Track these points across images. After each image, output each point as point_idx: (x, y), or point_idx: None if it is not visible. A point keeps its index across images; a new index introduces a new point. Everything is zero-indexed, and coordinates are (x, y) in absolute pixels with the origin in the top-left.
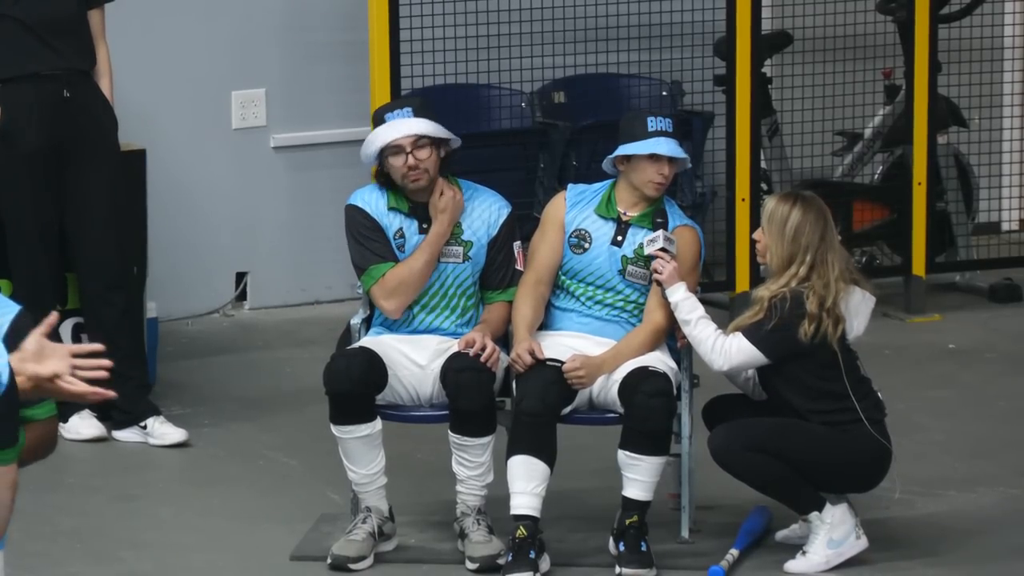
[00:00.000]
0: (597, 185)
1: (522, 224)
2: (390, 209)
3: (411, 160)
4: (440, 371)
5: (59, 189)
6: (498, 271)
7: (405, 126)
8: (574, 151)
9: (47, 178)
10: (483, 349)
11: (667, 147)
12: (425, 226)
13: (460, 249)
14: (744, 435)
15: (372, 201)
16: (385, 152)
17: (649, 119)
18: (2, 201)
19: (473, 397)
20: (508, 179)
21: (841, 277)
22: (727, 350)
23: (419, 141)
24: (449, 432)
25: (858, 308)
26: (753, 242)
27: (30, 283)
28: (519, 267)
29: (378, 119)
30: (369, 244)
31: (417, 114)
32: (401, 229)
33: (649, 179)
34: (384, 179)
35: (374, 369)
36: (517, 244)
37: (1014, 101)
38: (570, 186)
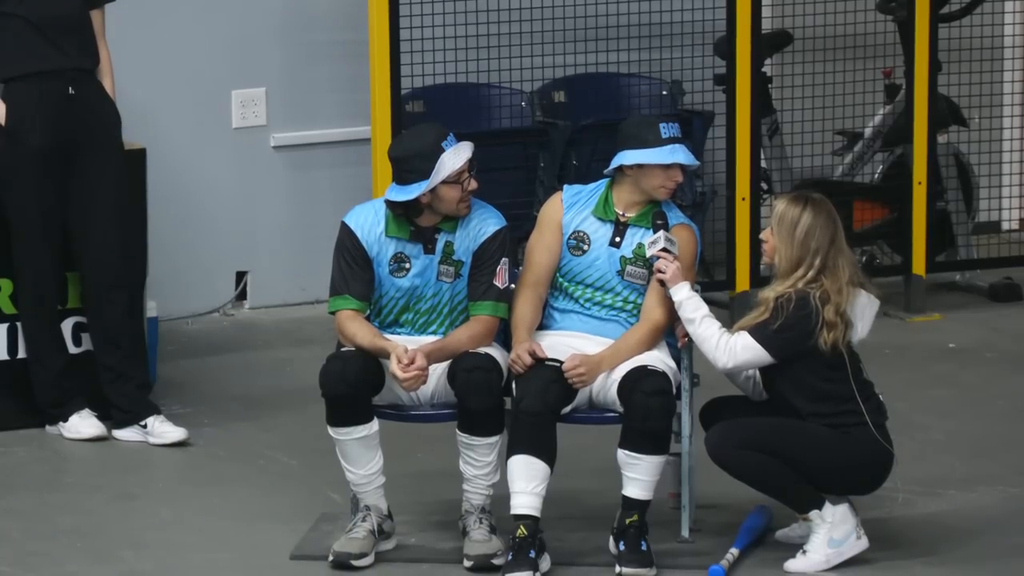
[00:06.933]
0: (592, 185)
1: (522, 223)
2: (388, 236)
3: (473, 184)
4: (448, 371)
5: (63, 187)
6: (479, 284)
7: (463, 152)
8: (574, 150)
9: (51, 176)
10: (412, 362)
11: (684, 156)
12: (431, 247)
13: (452, 269)
14: (740, 434)
15: (367, 225)
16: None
17: (661, 126)
18: (7, 198)
19: (483, 397)
20: (508, 179)
21: (851, 281)
22: (732, 347)
23: (470, 164)
24: (457, 431)
25: (863, 311)
26: (758, 242)
27: (33, 281)
28: (497, 283)
29: (435, 148)
30: (348, 272)
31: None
32: (401, 254)
33: (661, 185)
34: (399, 208)
35: (370, 370)
36: (505, 260)
37: (1014, 101)
38: (566, 187)
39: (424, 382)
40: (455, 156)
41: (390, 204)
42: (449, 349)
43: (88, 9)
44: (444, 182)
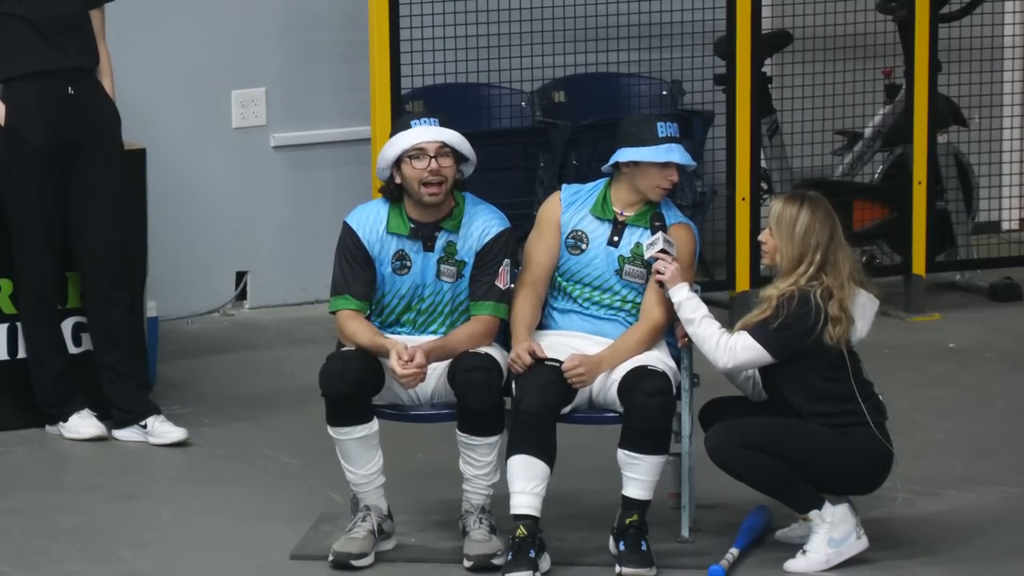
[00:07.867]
0: (591, 185)
1: (522, 223)
2: (389, 233)
3: (433, 164)
4: (448, 370)
5: (63, 187)
6: (480, 284)
7: (433, 132)
8: (574, 150)
9: (52, 175)
10: (411, 359)
11: (680, 156)
12: (430, 244)
13: (454, 269)
14: (740, 434)
15: (369, 224)
16: (404, 157)
17: (659, 125)
18: (7, 198)
19: (483, 397)
20: (508, 178)
21: (851, 276)
22: (732, 347)
23: (443, 149)
24: (457, 431)
25: (863, 310)
26: (758, 242)
27: (33, 280)
28: (499, 284)
29: (403, 124)
30: (349, 273)
31: (443, 126)
32: (402, 251)
33: (657, 184)
34: (390, 193)
35: (369, 370)
36: (507, 262)
37: (1014, 101)
38: (564, 186)
39: (423, 380)
40: (416, 133)
41: (382, 190)
42: (449, 348)
43: (87, 9)
44: (405, 159)
